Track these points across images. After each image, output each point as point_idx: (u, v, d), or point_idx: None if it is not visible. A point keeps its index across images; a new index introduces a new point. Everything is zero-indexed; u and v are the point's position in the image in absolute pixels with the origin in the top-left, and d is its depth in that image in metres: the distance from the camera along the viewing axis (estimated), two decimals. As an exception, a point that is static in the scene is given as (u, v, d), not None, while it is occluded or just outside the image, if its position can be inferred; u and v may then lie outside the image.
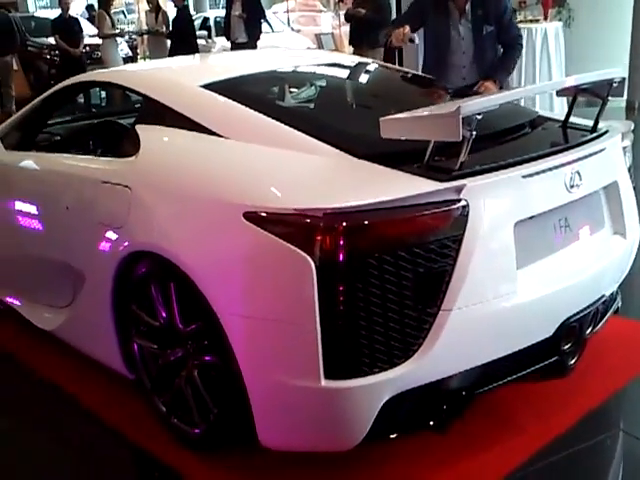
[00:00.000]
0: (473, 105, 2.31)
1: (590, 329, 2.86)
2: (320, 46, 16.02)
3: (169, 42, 11.53)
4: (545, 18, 8.37)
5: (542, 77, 7.88)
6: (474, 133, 2.34)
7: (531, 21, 8.27)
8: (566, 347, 2.71)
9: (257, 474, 2.70)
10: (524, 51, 7.95)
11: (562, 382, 2.89)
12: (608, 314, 3.03)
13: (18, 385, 3.58)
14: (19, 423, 3.28)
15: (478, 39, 4.43)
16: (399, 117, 2.47)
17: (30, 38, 14.65)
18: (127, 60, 14.71)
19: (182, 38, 11.08)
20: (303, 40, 18.13)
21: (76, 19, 12.09)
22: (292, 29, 20.07)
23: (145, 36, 14.42)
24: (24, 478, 2.88)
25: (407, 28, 4.27)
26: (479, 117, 2.34)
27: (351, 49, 10.96)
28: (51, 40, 13.01)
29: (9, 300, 3.95)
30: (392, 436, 2.50)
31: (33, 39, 14.76)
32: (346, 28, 13.26)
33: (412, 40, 4.39)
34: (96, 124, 4.26)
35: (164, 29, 11.57)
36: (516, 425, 2.88)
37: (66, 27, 11.65)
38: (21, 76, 13.21)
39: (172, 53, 11.25)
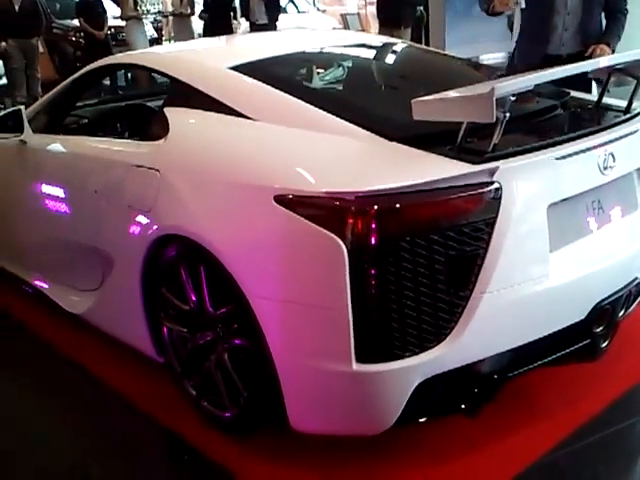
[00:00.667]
0: (507, 86, 2.27)
1: (622, 312, 2.82)
2: (346, 26, 15.95)
3: (195, 23, 11.51)
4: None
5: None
6: (507, 114, 2.31)
7: None
8: (598, 330, 2.68)
9: (287, 457, 2.70)
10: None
11: (591, 366, 2.87)
12: (640, 297, 2.99)
13: (45, 366, 3.61)
14: (47, 406, 3.31)
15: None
16: (431, 98, 2.43)
17: (55, 20, 14.69)
18: (152, 42, 14.72)
19: (217, 18, 11.06)
20: (329, 20, 18.01)
21: (99, 1, 12.06)
22: (317, 9, 19.95)
23: (170, 18, 14.44)
24: (56, 462, 2.91)
25: None
26: (512, 98, 2.31)
27: (377, 29, 10.91)
28: (76, 22, 13.04)
29: (38, 284, 3.98)
30: (422, 420, 2.49)
31: (58, 21, 14.81)
32: (372, 8, 13.18)
33: (518, 2, 4.15)
34: (124, 107, 4.27)
35: (189, 10, 11.55)
36: (545, 410, 2.86)
37: (90, 9, 11.61)
38: (46, 59, 13.25)
39: (206, 34, 11.24)
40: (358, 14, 17.62)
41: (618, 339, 2.85)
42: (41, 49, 11.57)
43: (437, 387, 2.38)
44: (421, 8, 11.52)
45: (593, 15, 4.21)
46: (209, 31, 11.29)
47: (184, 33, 11.83)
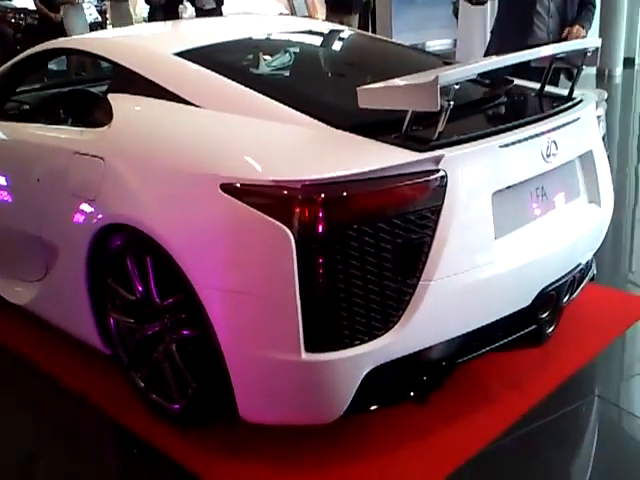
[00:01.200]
0: (451, 74, 2.29)
1: (567, 297, 2.88)
2: (293, 11, 15.86)
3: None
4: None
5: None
6: (452, 103, 2.32)
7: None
8: (544, 315, 2.74)
9: (237, 448, 2.69)
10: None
11: (537, 351, 2.93)
12: (584, 282, 3.06)
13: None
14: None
15: None
16: (376, 86, 2.44)
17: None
18: (96, 25, 14.43)
19: (164, 2, 10.90)
20: (275, 5, 17.86)
21: None
22: (263, -6, 19.78)
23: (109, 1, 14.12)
24: (4, 456, 2.85)
25: None
26: (457, 87, 2.32)
27: (324, 15, 10.88)
28: (14, 3, 12.68)
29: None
30: (372, 408, 2.50)
31: (-2, 3, 14.40)
32: (318, -7, 13.14)
33: None
34: (66, 93, 4.17)
35: None
36: (494, 395, 2.90)
37: None
38: (-16, 40, 12.90)
39: (152, 18, 11.06)
40: (305, -1, 17.54)
41: (563, 324, 2.90)
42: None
43: (386, 375, 2.39)
44: (368, -6, 11.55)
45: (573, 3, 4.38)
46: (155, 16, 11.11)
47: (123, 18, 11.57)
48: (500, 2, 4.55)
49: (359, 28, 10.75)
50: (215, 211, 2.38)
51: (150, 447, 2.76)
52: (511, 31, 4.31)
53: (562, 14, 4.35)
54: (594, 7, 4.49)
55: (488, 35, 7.88)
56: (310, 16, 16.01)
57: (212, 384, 2.60)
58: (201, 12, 10.85)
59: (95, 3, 15.67)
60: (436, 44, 12.99)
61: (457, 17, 8.98)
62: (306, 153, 2.46)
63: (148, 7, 11.76)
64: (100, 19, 15.39)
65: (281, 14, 16.14)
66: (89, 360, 3.24)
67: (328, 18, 10.15)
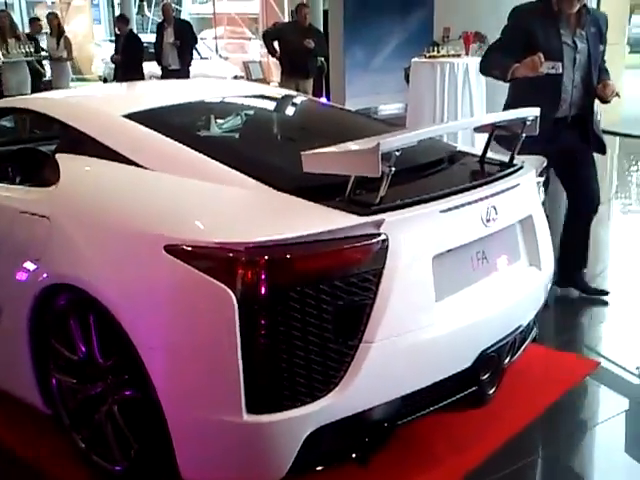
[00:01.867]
0: (392, 141, 2.36)
1: (508, 358, 2.94)
2: (248, 74, 16.11)
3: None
4: (467, 53, 8.60)
5: (464, 110, 8.08)
6: (393, 169, 2.39)
7: (453, 55, 8.48)
8: (485, 377, 2.78)
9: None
10: (446, 85, 8.19)
11: (480, 411, 2.94)
12: (526, 343, 3.12)
13: None
14: None
15: (595, 54, 4.26)
16: (320, 152, 2.50)
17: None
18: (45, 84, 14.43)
19: (129, 64, 11.04)
20: (231, 67, 18.19)
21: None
22: (220, 56, 20.12)
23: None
24: None
25: (541, 55, 3.95)
26: (398, 153, 2.39)
27: (279, 78, 11.07)
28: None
29: None
30: (316, 468, 2.50)
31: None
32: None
33: (554, 67, 4.12)
34: (15, 151, 4.17)
35: (65, 54, 11.37)
36: (435, 457, 2.92)
37: None
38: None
39: (117, 78, 11.17)
40: (260, 62, 17.86)
41: (506, 384, 2.94)
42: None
43: (328, 436, 2.39)
44: (322, 59, 11.80)
45: (594, 77, 4.31)
46: (120, 75, 11.25)
47: (62, 78, 11.61)
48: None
49: (313, 92, 10.97)
50: (158, 272, 2.39)
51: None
52: (535, 104, 3.51)
53: (586, 83, 4.27)
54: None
55: (438, 100, 8.20)
56: (265, 79, 16.31)
57: (154, 445, 2.57)
58: (167, 72, 11.02)
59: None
60: (388, 108, 13.26)
61: (408, 82, 9.21)
62: (250, 216, 2.50)
63: (103, 66, 11.87)
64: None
65: (236, 77, 16.42)
66: (30, 420, 3.17)
67: (283, 82, 10.33)
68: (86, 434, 2.84)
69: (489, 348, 2.73)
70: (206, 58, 18.01)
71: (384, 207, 2.44)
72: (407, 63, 10.05)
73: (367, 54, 13.27)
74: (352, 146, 2.48)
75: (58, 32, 11.55)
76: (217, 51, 20.63)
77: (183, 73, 10.96)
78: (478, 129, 3.18)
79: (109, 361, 2.65)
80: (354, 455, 2.53)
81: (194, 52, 12.13)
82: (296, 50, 10.02)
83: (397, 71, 11.91)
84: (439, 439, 3.01)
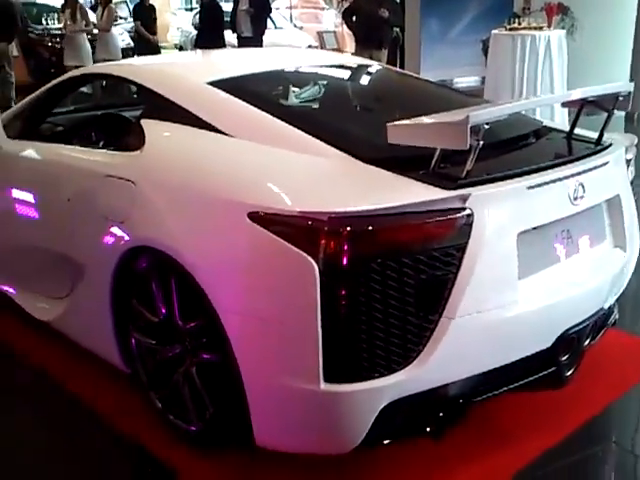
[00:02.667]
0: (482, 114, 2.32)
1: (588, 341, 2.87)
2: (322, 44, 16.05)
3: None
4: (549, 26, 8.36)
5: (544, 86, 7.89)
6: (481, 142, 2.35)
7: (535, 28, 8.26)
8: (564, 358, 2.73)
9: (251, 471, 2.70)
10: (527, 58, 7.99)
11: (556, 394, 2.90)
12: (606, 327, 3.04)
13: (11, 376, 3.57)
14: (11, 416, 3.27)
15: None
16: (407, 123, 2.47)
17: (31, 24, 14.61)
18: (127, 51, 14.68)
19: (211, 32, 11.15)
20: (305, 37, 18.11)
21: (153, 7, 12.36)
22: (294, 26, 20.05)
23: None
24: (18, 471, 2.87)
25: None
26: (487, 126, 2.35)
27: (353, 48, 10.98)
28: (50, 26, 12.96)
29: (5, 288, 3.94)
30: (388, 441, 2.50)
31: (34, 25, 14.73)
32: (348, 26, 13.28)
33: None
34: (99, 116, 4.25)
35: (83, 26, 11.31)
36: (509, 436, 2.88)
37: (146, 14, 12.04)
38: (21, 62, 13.16)
39: (198, 45, 11.34)
40: (334, 32, 17.75)
41: (582, 368, 2.89)
42: (16, 53, 11.48)
43: (403, 409, 2.39)
44: (397, 30, 11.63)
45: None
46: (201, 43, 11.38)
47: (102, 49, 11.52)
48: None
49: (387, 63, 10.86)
50: (241, 238, 2.42)
51: (166, 467, 2.77)
52: None
53: None
54: None
55: (517, 73, 8.02)
56: (339, 49, 16.21)
57: (230, 409, 2.61)
58: (241, 40, 11.08)
59: (128, 29, 15.96)
60: (463, 81, 13.06)
61: (486, 55, 9.04)
62: (334, 186, 2.49)
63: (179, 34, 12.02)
64: (132, 44, 15.66)
65: (310, 47, 16.36)
66: (109, 378, 3.26)
67: (357, 52, 10.24)
68: (163, 394, 2.90)
69: (570, 329, 2.68)
70: (280, 28, 17.98)
71: (470, 181, 2.40)
72: (484, 35, 9.87)
73: (443, 26, 13.06)
74: (440, 118, 2.44)
75: (104, 2, 11.57)
76: (291, 20, 20.57)
77: (256, 41, 10.98)
78: (567, 104, 3.10)
79: (188, 324, 2.70)
80: (428, 429, 2.52)
81: (268, 21, 12.14)
82: (370, 19, 9.89)
83: (473, 44, 11.71)
84: (514, 419, 2.97)
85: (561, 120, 7.43)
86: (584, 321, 2.74)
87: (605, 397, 3.17)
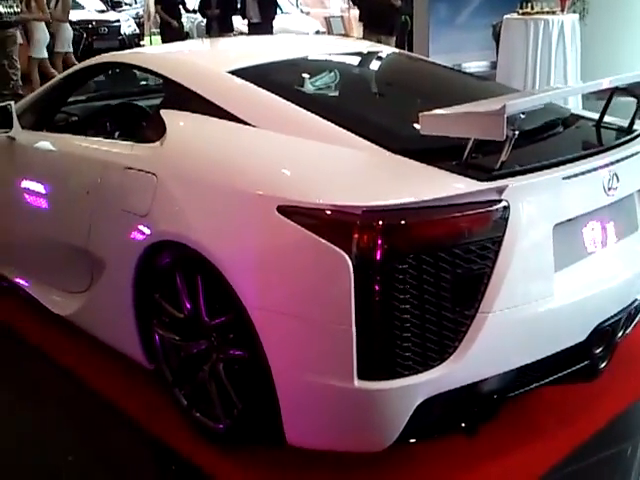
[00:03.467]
0: (519, 103, 2.26)
1: (622, 332, 2.82)
2: (329, 29, 15.94)
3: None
4: (562, 10, 8.24)
5: (557, 71, 7.78)
6: (517, 132, 2.29)
7: (548, 12, 8.14)
8: (598, 351, 2.67)
9: (280, 470, 2.66)
10: (540, 44, 7.88)
11: (587, 386, 2.85)
12: (638, 318, 2.99)
13: (30, 368, 3.54)
14: (31, 408, 3.24)
15: None
16: (440, 113, 2.41)
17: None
18: (133, 37, 14.62)
19: (224, 18, 11.07)
20: (312, 22, 17.98)
21: None
22: (301, 11, 19.91)
23: (152, 13, 14.34)
24: (40, 469, 2.83)
25: None
26: (522, 116, 2.29)
27: (360, 33, 10.90)
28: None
29: (23, 282, 3.89)
30: (423, 438, 2.46)
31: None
32: (355, 11, 13.19)
33: None
34: (115, 106, 4.19)
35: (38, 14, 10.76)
36: (541, 430, 2.85)
37: None
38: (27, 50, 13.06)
39: (213, 33, 11.29)
40: (341, 17, 17.62)
41: (614, 360, 2.84)
42: (20, 40, 11.35)
43: (438, 406, 2.34)
44: (405, 15, 11.55)
45: None
46: (214, 29, 11.30)
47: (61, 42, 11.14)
48: None
49: (396, 48, 10.77)
50: (271, 232, 2.36)
51: (190, 465, 2.73)
52: None
53: None
54: None
55: (530, 59, 7.91)
56: (347, 34, 16.10)
57: (259, 405, 2.57)
58: (250, 26, 11.02)
59: (133, 15, 15.92)
60: (472, 66, 12.96)
61: (497, 40, 8.93)
62: (365, 178, 2.43)
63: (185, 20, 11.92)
64: (138, 31, 15.62)
65: (318, 32, 16.25)
66: (131, 374, 3.22)
67: (365, 37, 10.15)
68: (188, 391, 2.85)
69: (605, 322, 2.62)
70: (287, 13, 17.84)
71: (505, 172, 2.34)
72: (494, 20, 9.77)
73: (452, 10, 12.93)
74: (475, 108, 2.38)
75: None
76: (297, 5, 20.42)
77: (265, 27, 10.89)
78: (596, 92, 3.03)
79: (215, 320, 2.64)
80: (462, 425, 2.47)
81: (277, 7, 12.04)
82: (382, 5, 9.81)
83: (482, 28, 11.60)
84: (547, 413, 2.93)
85: (575, 105, 7.34)
86: (619, 313, 2.69)
87: (637, 389, 3.12)
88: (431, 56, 11.95)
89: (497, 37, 9.19)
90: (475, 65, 13.12)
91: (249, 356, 2.51)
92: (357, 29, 14.74)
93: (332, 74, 3.46)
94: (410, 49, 12.80)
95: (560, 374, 2.61)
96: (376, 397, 2.26)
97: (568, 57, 7.91)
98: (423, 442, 2.51)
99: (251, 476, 2.65)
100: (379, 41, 9.73)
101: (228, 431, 2.72)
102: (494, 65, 9.65)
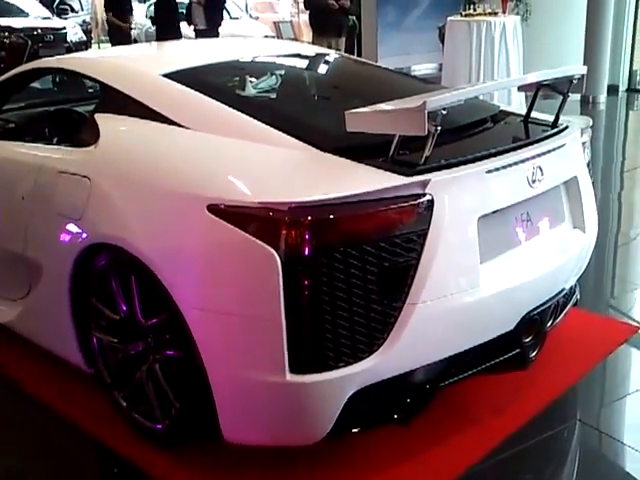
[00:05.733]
0: (439, 100, 2.31)
1: (551, 322, 2.90)
2: (279, 34, 15.97)
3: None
4: (504, 11, 8.42)
5: (500, 71, 7.94)
6: (439, 128, 2.35)
7: (490, 14, 8.30)
8: (527, 340, 2.75)
9: (218, 468, 2.67)
10: (483, 45, 8.03)
11: (519, 375, 2.93)
12: (568, 307, 3.08)
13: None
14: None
15: None
16: (364, 111, 2.46)
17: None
18: (80, 45, 14.45)
19: (165, 25, 11.04)
20: (261, 27, 18.00)
21: None
22: (250, 16, 19.92)
23: (100, 20, 14.24)
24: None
25: None
26: (444, 112, 2.34)
27: (309, 38, 10.96)
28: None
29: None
30: (355, 430, 2.50)
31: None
32: (305, 16, 13.26)
33: None
34: (52, 112, 4.16)
35: None
36: (475, 418, 2.90)
37: (119, 3, 11.78)
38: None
39: (157, 39, 11.26)
40: (291, 22, 17.69)
41: (546, 348, 2.91)
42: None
43: (370, 397, 2.39)
44: (354, 18, 11.64)
45: None
46: (158, 35, 11.30)
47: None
48: None
49: (345, 52, 10.84)
50: (201, 232, 2.38)
51: (131, 467, 2.73)
52: None
53: None
54: None
55: (474, 60, 8.06)
56: (296, 39, 16.15)
57: (196, 404, 2.59)
58: (197, 32, 11.01)
59: (80, 22, 15.72)
60: (421, 68, 13.11)
61: (443, 42, 9.07)
62: (293, 176, 2.47)
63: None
64: (85, 38, 15.43)
65: (267, 37, 16.27)
66: (71, 378, 3.21)
67: (315, 41, 10.21)
68: (127, 392, 2.86)
69: (532, 311, 2.70)
70: (236, 18, 17.83)
71: (429, 167, 2.40)
72: (441, 22, 9.91)
73: (400, 13, 13.10)
74: (397, 105, 2.43)
75: None
76: (247, 11, 20.42)
77: (212, 34, 10.91)
78: (523, 88, 3.11)
79: (150, 321, 2.66)
80: (395, 416, 2.52)
81: (224, 12, 12.04)
82: (328, 9, 9.89)
83: (430, 30, 11.76)
84: (479, 402, 2.99)
85: (518, 104, 7.49)
86: (546, 302, 2.77)
87: (569, 377, 3.21)
88: (380, 59, 12.10)
89: (443, 39, 9.33)
90: (424, 67, 13.29)
91: (184, 355, 2.53)
92: (307, 34, 14.81)
93: (266, 76, 3.50)
94: (359, 52, 12.92)
95: (491, 363, 2.68)
96: (308, 390, 2.29)
97: (511, 57, 8.08)
98: (360, 433, 2.54)
99: (195, 476, 2.66)
100: (329, 45, 9.82)
101: (167, 431, 2.73)
102: (442, 67, 9.78)
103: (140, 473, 2.70)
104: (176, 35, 11.11)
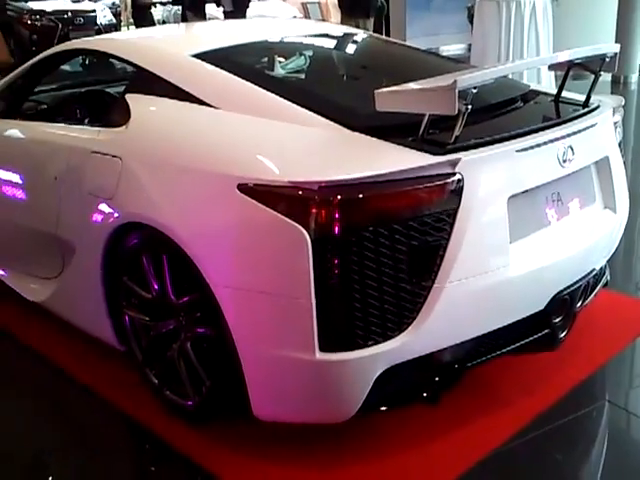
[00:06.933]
0: (469, 79, 2.30)
1: (580, 302, 2.89)
2: (307, 15, 15.92)
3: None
4: (533, -10, 8.29)
5: (530, 51, 7.83)
6: (469, 107, 2.34)
7: (519, -7, 8.18)
8: (557, 320, 2.74)
9: (248, 444, 2.71)
10: (512, 24, 7.93)
11: (549, 355, 2.92)
12: (598, 288, 3.07)
13: (3, 353, 3.58)
14: (6, 394, 3.28)
15: None
16: (394, 90, 2.45)
17: (10, 2, 14.42)
18: (109, 27, 14.55)
19: (192, 6, 11.04)
20: (289, 8, 17.92)
21: None
22: (278, -3, 19.83)
23: (129, 3, 14.30)
24: (16, 451, 2.88)
25: None
26: (474, 91, 2.33)
27: (337, 19, 10.92)
28: (31, 4, 12.74)
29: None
30: (385, 408, 2.51)
31: (13, 3, 14.53)
32: (333, -3, 13.20)
33: None
34: (83, 93, 4.21)
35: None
36: (504, 398, 2.91)
37: None
38: (1, 42, 12.99)
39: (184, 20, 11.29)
40: (319, 3, 17.60)
41: (575, 329, 2.91)
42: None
43: (399, 376, 2.40)
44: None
45: None
46: (184, 20, 11.30)
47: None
48: None
49: (373, 32, 10.79)
50: (232, 211, 2.40)
51: (163, 443, 2.78)
52: None
53: None
54: None
55: (503, 39, 7.97)
56: (324, 20, 16.08)
57: (226, 382, 2.62)
58: (226, 14, 11.00)
59: (109, 5, 15.80)
60: (450, 49, 13.02)
61: (472, 22, 8.98)
62: (323, 155, 2.48)
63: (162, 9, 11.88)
64: (114, 21, 15.52)
65: (295, 18, 16.22)
66: (104, 356, 3.26)
67: (343, 22, 10.17)
68: (159, 370, 2.90)
69: (562, 291, 2.69)
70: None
71: (459, 146, 2.39)
72: (469, 2, 9.81)
73: (427, -7, 12.99)
74: (428, 84, 2.42)
75: None
76: (274, -8, 20.33)
77: (239, 15, 10.88)
78: (554, 66, 3.08)
79: (182, 299, 2.69)
80: (424, 394, 2.53)
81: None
82: None
83: (459, 11, 11.67)
84: (508, 381, 3.00)
85: (547, 84, 7.41)
86: (576, 282, 2.76)
87: (598, 357, 3.20)
88: (408, 40, 12.03)
89: (472, 19, 9.23)
90: (453, 48, 13.19)
91: (215, 333, 2.56)
92: (335, 14, 14.74)
93: (295, 56, 3.50)
94: (387, 32, 12.84)
95: (520, 343, 2.67)
96: (337, 368, 2.31)
97: (541, 37, 7.97)
98: (389, 411, 2.56)
99: (225, 452, 2.69)
100: (357, 25, 9.78)
101: (197, 408, 2.77)
102: (471, 47, 9.68)
103: (172, 450, 2.74)
104: (202, 17, 11.11)
